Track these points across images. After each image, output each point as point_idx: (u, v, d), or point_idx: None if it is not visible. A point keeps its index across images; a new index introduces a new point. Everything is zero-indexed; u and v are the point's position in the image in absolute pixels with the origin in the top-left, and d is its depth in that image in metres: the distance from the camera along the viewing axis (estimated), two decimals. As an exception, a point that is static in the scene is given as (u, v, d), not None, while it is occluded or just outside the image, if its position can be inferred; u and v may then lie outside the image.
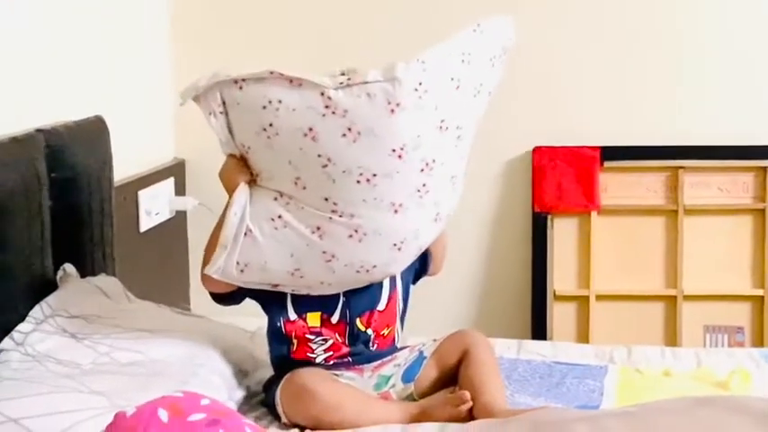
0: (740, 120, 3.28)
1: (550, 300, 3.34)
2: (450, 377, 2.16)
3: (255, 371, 2.30)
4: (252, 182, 2.11)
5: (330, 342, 2.19)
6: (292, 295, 2.17)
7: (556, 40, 3.25)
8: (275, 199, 2.07)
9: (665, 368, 2.38)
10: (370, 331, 2.21)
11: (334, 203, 2.03)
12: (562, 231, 3.35)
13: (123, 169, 2.85)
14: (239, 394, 2.19)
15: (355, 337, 2.20)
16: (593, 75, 3.32)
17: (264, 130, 2.01)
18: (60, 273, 2.35)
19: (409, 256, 2.15)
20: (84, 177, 2.48)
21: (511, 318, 3.39)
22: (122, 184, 2.88)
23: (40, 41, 2.54)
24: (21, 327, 2.13)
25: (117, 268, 2.65)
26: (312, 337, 2.18)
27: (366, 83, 1.97)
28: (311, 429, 2.05)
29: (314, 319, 2.18)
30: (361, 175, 2.00)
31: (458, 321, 3.24)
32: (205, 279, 2.15)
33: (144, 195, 3.07)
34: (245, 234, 2.07)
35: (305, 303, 2.18)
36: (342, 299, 2.18)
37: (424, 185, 2.04)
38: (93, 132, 2.60)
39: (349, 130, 1.97)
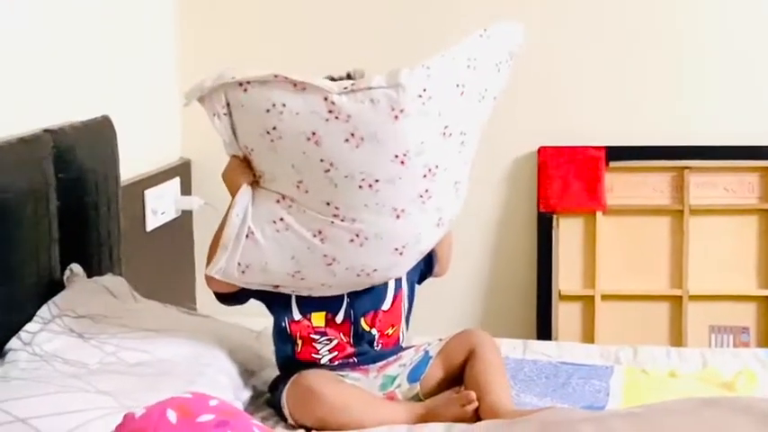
0: (746, 120, 3.28)
1: (555, 299, 3.34)
2: (456, 377, 2.16)
3: (261, 371, 2.31)
4: (255, 183, 2.11)
5: (335, 342, 2.19)
6: (297, 296, 2.18)
7: (561, 42, 3.25)
8: (277, 201, 2.08)
9: (670, 369, 2.39)
10: (374, 331, 2.21)
11: (336, 208, 2.04)
12: (567, 231, 3.35)
13: (130, 169, 2.86)
14: (246, 394, 2.19)
15: (360, 337, 2.20)
16: (599, 75, 3.32)
17: (268, 132, 2.02)
18: (67, 273, 2.35)
19: (410, 261, 2.16)
20: (90, 177, 2.48)
21: (516, 317, 3.39)
22: (129, 184, 2.88)
23: (47, 43, 2.55)
24: (28, 326, 2.14)
25: (123, 268, 2.66)
26: (317, 337, 2.18)
27: (370, 88, 1.97)
28: (318, 430, 2.06)
29: (318, 318, 2.19)
30: (363, 180, 2.00)
31: (463, 321, 3.25)
32: (208, 279, 2.16)
33: (150, 195, 3.07)
34: (247, 236, 2.07)
35: (309, 303, 2.18)
36: (346, 299, 2.19)
37: (426, 191, 2.05)
38: (100, 132, 2.60)
39: (352, 135, 1.98)
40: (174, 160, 3.36)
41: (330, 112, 1.97)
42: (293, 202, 2.07)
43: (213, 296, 2.24)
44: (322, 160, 2.00)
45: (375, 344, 2.22)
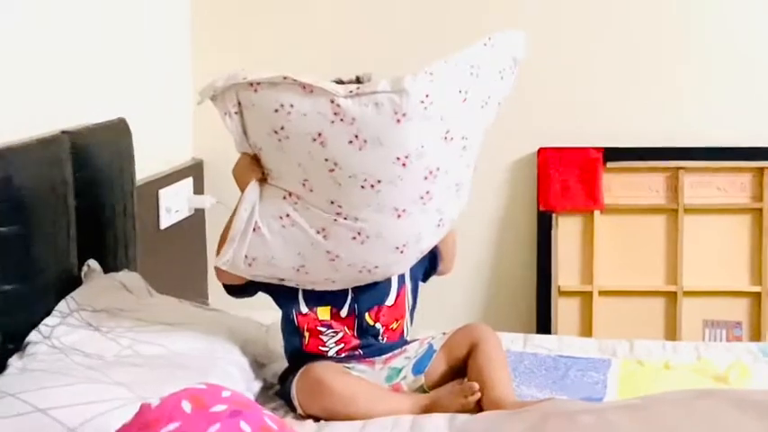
0: (738, 122, 3.28)
1: (555, 295, 3.34)
2: (460, 369, 2.16)
3: (271, 363, 2.31)
4: (263, 180, 2.12)
5: (340, 335, 2.19)
6: (304, 289, 2.18)
7: (560, 47, 3.25)
8: (284, 198, 2.08)
9: (665, 361, 2.38)
10: (378, 325, 2.21)
11: (339, 206, 2.04)
12: (566, 229, 3.35)
13: (144, 169, 2.86)
14: (256, 386, 2.19)
15: (364, 331, 2.20)
16: (597, 79, 3.32)
17: (276, 132, 2.02)
18: (85, 268, 2.35)
19: (411, 259, 2.16)
20: (107, 177, 2.49)
21: (517, 312, 3.39)
22: (143, 184, 2.88)
23: (66, 47, 2.55)
24: (47, 320, 2.14)
25: (138, 264, 2.66)
26: (323, 329, 2.19)
27: (374, 92, 1.97)
28: (326, 420, 2.06)
29: (324, 312, 2.19)
30: (365, 180, 2.01)
31: (466, 315, 3.25)
32: (218, 271, 2.17)
33: (164, 194, 3.07)
34: (254, 230, 2.08)
35: (315, 297, 2.18)
36: (350, 294, 2.19)
37: (427, 192, 2.05)
38: (116, 134, 2.60)
39: (356, 137, 1.98)
40: (187, 160, 3.36)
41: (336, 114, 1.98)
42: (299, 200, 2.07)
43: (223, 290, 2.24)
44: (327, 160, 2.00)
45: (380, 337, 2.22)
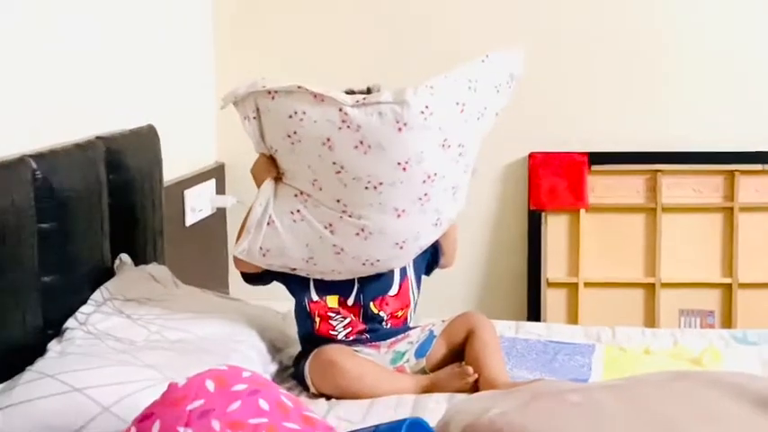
0: (712, 129, 3.27)
1: (544, 286, 3.33)
2: (458, 353, 2.17)
3: (286, 347, 2.31)
4: (278, 179, 2.12)
5: (348, 320, 2.19)
6: (314, 280, 2.18)
7: (549, 60, 3.24)
8: (296, 196, 2.09)
9: (645, 347, 2.38)
10: (383, 313, 2.21)
11: (345, 205, 2.04)
12: (554, 227, 3.35)
13: (171, 171, 2.86)
14: (273, 368, 2.19)
15: (370, 318, 2.20)
16: (583, 90, 3.31)
17: (289, 136, 2.03)
18: (117, 261, 2.35)
19: (410, 254, 2.16)
20: (138, 178, 2.49)
21: (509, 302, 3.38)
22: (170, 185, 2.89)
23: (99, 59, 2.55)
24: (83, 308, 2.14)
25: (166, 257, 2.66)
26: (332, 315, 2.19)
27: (379, 103, 1.98)
28: (336, 398, 2.06)
29: (332, 301, 2.20)
30: (369, 182, 2.01)
31: (463, 304, 3.24)
32: (236, 261, 2.18)
33: (189, 194, 3.07)
34: (269, 224, 2.09)
35: (325, 287, 2.19)
36: (357, 284, 2.19)
37: (425, 194, 2.05)
38: (146, 139, 2.61)
39: (361, 142, 1.98)
40: (210, 164, 3.36)
41: (343, 121, 1.98)
42: (309, 198, 2.08)
43: (241, 278, 2.24)
44: (334, 163, 2.01)
45: (384, 323, 2.22)
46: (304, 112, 2.00)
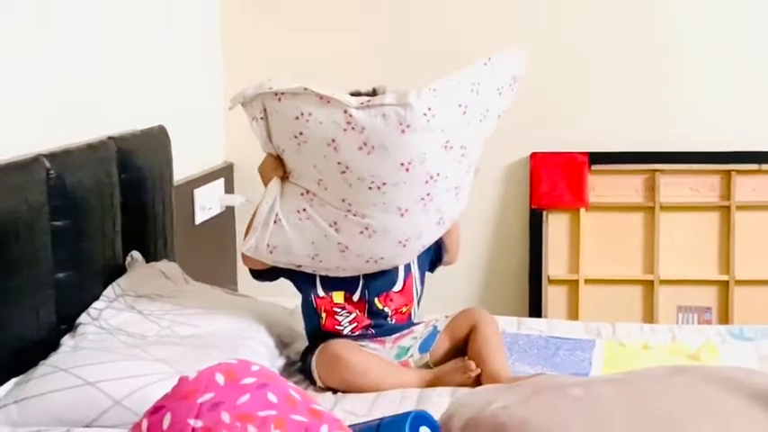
0: (709, 129, 3.27)
1: (545, 283, 3.33)
2: (461, 348, 2.17)
3: (293, 343, 2.31)
4: (285, 178, 2.13)
5: (354, 315, 2.19)
6: (320, 276, 2.19)
7: (550, 62, 3.24)
8: (302, 194, 2.09)
9: (644, 342, 2.37)
10: (388, 309, 2.21)
11: (350, 204, 2.04)
12: (555, 225, 3.35)
13: (181, 171, 2.86)
14: (280, 362, 2.20)
15: (374, 313, 2.20)
16: (583, 92, 3.31)
17: (296, 137, 2.03)
18: (129, 258, 2.36)
19: (413, 252, 2.16)
20: (148, 178, 2.49)
21: (511, 298, 3.38)
22: (180, 184, 2.89)
23: (111, 62, 2.56)
24: (96, 304, 2.15)
25: (176, 255, 2.66)
26: (338, 310, 2.19)
27: (383, 105, 1.98)
28: (342, 392, 2.06)
29: (338, 296, 2.20)
30: (372, 182, 2.01)
31: (466, 301, 3.24)
32: (244, 258, 2.18)
33: (198, 193, 3.08)
34: (275, 222, 2.09)
35: (331, 284, 2.19)
36: (362, 281, 2.19)
37: (428, 194, 2.05)
38: (157, 139, 2.61)
39: (365, 144, 1.99)
40: (219, 163, 3.37)
41: (348, 123, 1.98)
42: (315, 197, 2.08)
43: (250, 275, 2.24)
44: (339, 163, 2.01)
45: (389, 319, 2.22)
46: (310, 114, 2.01)
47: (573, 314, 3.32)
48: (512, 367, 2.15)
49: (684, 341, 2.37)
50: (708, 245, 3.31)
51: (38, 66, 2.20)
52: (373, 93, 2.10)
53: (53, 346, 2.00)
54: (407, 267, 2.23)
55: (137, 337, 2.04)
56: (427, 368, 2.15)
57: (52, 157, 2.05)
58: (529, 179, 3.33)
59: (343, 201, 2.05)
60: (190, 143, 3.02)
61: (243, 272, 2.38)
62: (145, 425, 1.33)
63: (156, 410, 1.34)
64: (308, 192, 2.09)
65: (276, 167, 2.12)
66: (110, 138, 2.36)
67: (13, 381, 1.85)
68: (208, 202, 3.15)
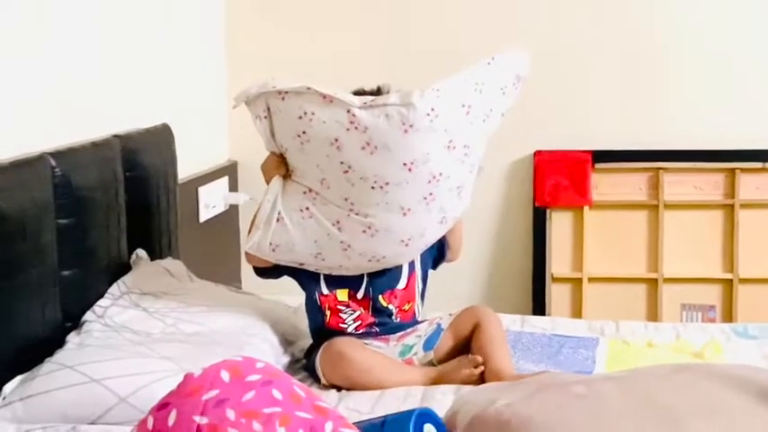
0: (713, 128, 3.27)
1: (549, 281, 3.33)
2: (465, 346, 2.17)
3: (298, 341, 2.31)
4: (287, 176, 2.13)
5: (358, 313, 2.20)
6: (324, 273, 2.19)
7: (554, 61, 3.24)
8: (305, 193, 2.09)
9: (648, 340, 2.37)
10: (391, 307, 2.21)
11: (352, 203, 2.05)
12: (559, 223, 3.35)
13: (186, 169, 2.87)
14: (285, 360, 2.19)
15: (378, 311, 2.21)
16: (587, 90, 3.31)
17: (299, 136, 2.03)
18: (133, 256, 2.36)
19: (416, 251, 2.16)
20: (153, 176, 2.49)
21: (515, 296, 3.38)
22: (185, 182, 2.89)
23: (116, 60, 2.56)
24: (101, 302, 2.15)
25: (180, 253, 2.67)
26: (342, 308, 2.19)
27: (386, 105, 1.98)
28: (346, 389, 2.06)
29: (342, 294, 2.20)
30: (375, 182, 2.01)
31: (470, 299, 3.24)
32: (248, 256, 2.19)
33: (203, 191, 3.08)
34: (278, 220, 2.09)
35: (334, 281, 2.19)
36: (366, 279, 2.19)
37: (430, 194, 2.05)
38: (161, 138, 2.61)
39: (368, 143, 1.99)
40: (223, 162, 3.37)
41: (351, 122, 1.99)
42: (317, 195, 2.08)
43: (253, 272, 2.25)
44: (342, 162, 2.01)
45: (393, 317, 2.22)
46: (313, 113, 2.01)
47: (576, 312, 3.32)
48: (515, 365, 2.15)
49: (688, 339, 2.37)
50: (712, 243, 3.30)
51: (43, 65, 2.21)
52: (377, 91, 2.10)
53: (58, 343, 2.00)
54: (411, 265, 2.23)
55: (142, 335, 2.05)
56: (431, 366, 2.15)
57: (57, 155, 2.06)
58: (532, 177, 3.33)
59: (346, 200, 2.05)
60: (194, 141, 3.03)
61: (247, 269, 2.39)
62: (150, 422, 1.33)
63: (162, 407, 1.35)
64: (310, 190, 2.09)
65: (279, 166, 2.13)
66: (115, 136, 2.37)
67: (19, 378, 1.85)
68: (212, 200, 3.15)
